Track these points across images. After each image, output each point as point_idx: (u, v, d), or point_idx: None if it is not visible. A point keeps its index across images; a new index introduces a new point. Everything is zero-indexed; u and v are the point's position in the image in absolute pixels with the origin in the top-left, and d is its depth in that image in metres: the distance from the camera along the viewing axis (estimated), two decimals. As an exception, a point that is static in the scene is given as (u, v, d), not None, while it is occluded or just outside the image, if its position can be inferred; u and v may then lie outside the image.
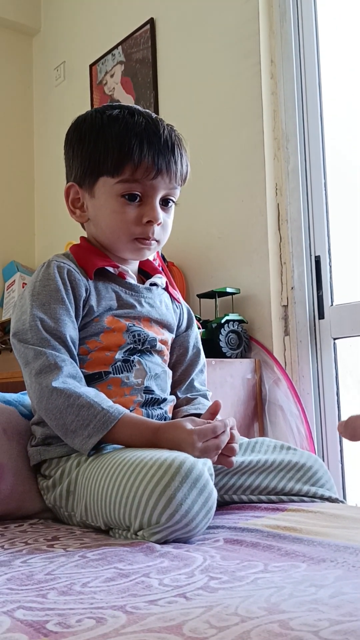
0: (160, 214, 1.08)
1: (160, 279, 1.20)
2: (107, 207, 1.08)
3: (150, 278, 1.20)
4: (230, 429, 0.97)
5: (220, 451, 0.95)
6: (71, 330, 1.04)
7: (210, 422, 0.97)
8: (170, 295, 1.23)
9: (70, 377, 0.99)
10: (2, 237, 2.96)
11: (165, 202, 1.10)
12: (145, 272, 1.22)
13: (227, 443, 0.97)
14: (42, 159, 3.06)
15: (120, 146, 1.04)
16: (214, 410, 1.03)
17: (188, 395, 1.19)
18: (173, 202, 1.12)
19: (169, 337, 1.18)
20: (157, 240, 1.11)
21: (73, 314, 1.05)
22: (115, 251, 1.13)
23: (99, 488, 0.90)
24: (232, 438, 0.98)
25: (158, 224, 1.09)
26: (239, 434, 1.01)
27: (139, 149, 1.04)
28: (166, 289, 1.22)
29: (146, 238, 1.09)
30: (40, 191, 3.06)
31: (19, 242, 3.01)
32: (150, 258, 1.25)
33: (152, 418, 1.07)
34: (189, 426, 0.94)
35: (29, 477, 1.08)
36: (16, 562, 0.74)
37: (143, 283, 1.18)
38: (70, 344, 1.03)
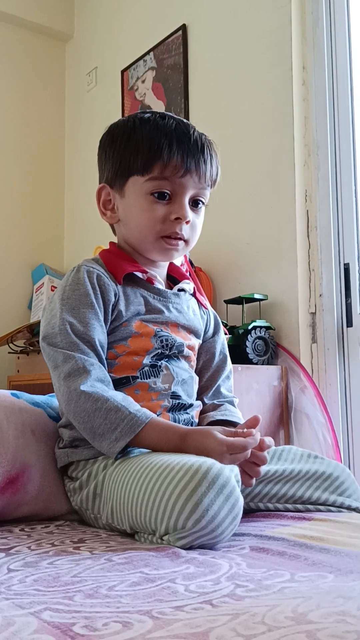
0: (189, 212, 1.09)
1: (188, 285, 1.21)
2: (136, 205, 1.09)
3: (178, 284, 1.20)
4: (262, 449, 0.96)
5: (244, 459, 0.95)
6: (100, 335, 1.05)
7: (242, 432, 0.96)
8: (198, 301, 1.23)
9: (98, 381, 1.00)
10: (32, 240, 2.99)
11: (195, 203, 1.11)
12: (173, 277, 1.22)
13: (255, 465, 0.96)
14: (72, 163, 3.08)
15: (149, 145, 1.06)
16: (252, 424, 1.00)
17: (215, 401, 1.19)
18: (202, 203, 1.12)
19: (196, 342, 1.19)
20: (185, 240, 1.11)
21: (102, 319, 1.06)
22: (143, 251, 1.14)
23: (125, 491, 0.90)
24: (261, 460, 0.97)
25: (186, 222, 1.09)
26: (267, 457, 1.00)
27: (169, 147, 1.05)
28: (194, 294, 1.22)
29: (173, 236, 1.09)
30: (70, 195, 3.09)
31: (48, 245, 3.04)
32: (178, 263, 1.25)
33: (179, 423, 1.07)
34: (220, 436, 0.93)
35: (56, 479, 1.09)
36: (43, 563, 0.74)
37: (171, 289, 1.18)
38: (99, 348, 1.04)
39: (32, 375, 2.19)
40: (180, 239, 1.10)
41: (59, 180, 3.11)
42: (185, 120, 1.11)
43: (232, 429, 0.98)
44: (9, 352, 2.39)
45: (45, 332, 1.06)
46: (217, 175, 1.12)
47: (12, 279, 2.91)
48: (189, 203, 1.09)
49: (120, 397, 0.98)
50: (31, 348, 2.28)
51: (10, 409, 1.10)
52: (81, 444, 1.05)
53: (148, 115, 1.10)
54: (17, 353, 2.37)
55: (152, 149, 1.05)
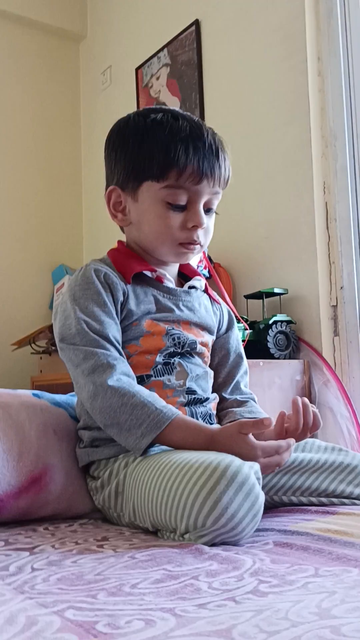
0: (204, 218, 1.08)
1: (199, 282, 1.20)
2: (151, 211, 1.08)
3: (189, 281, 1.19)
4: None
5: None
6: (115, 332, 1.04)
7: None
8: (210, 296, 1.22)
9: (124, 375, 1.00)
10: (52, 241, 3.01)
11: (207, 208, 1.10)
12: (184, 274, 1.22)
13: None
14: (89, 163, 3.09)
15: (166, 151, 1.04)
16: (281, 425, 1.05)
17: (237, 397, 1.18)
18: (212, 208, 1.12)
19: (210, 339, 1.18)
20: (200, 244, 1.11)
21: (115, 316, 1.06)
22: (158, 255, 1.13)
23: (145, 489, 0.90)
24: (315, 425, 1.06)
25: (202, 228, 1.09)
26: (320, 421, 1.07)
27: (185, 155, 1.03)
28: (205, 290, 1.21)
29: (191, 242, 1.09)
30: (87, 195, 3.10)
31: (67, 245, 3.06)
32: (192, 262, 1.24)
33: (197, 416, 1.07)
34: (252, 440, 0.93)
35: (79, 478, 1.09)
36: (66, 561, 0.75)
37: (182, 286, 1.18)
38: (117, 344, 1.04)
39: (55, 375, 2.21)
40: (197, 244, 1.10)
41: (76, 181, 3.12)
42: (196, 119, 1.09)
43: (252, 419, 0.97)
44: (32, 353, 2.41)
45: (63, 334, 1.05)
46: (229, 176, 1.11)
47: (33, 280, 2.93)
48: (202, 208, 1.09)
49: (146, 393, 0.98)
50: (53, 348, 2.30)
51: (32, 409, 1.10)
52: (101, 443, 1.05)
53: (160, 115, 1.08)
54: (40, 353, 2.39)
55: (168, 155, 1.03)
